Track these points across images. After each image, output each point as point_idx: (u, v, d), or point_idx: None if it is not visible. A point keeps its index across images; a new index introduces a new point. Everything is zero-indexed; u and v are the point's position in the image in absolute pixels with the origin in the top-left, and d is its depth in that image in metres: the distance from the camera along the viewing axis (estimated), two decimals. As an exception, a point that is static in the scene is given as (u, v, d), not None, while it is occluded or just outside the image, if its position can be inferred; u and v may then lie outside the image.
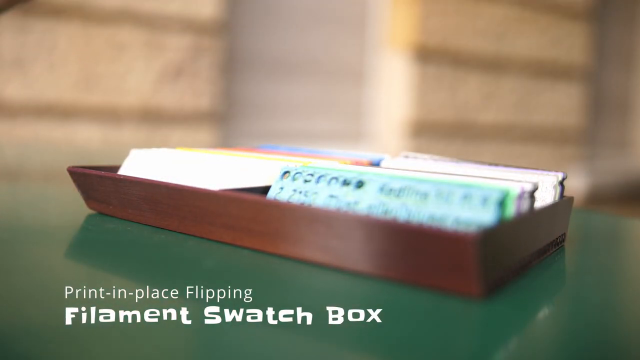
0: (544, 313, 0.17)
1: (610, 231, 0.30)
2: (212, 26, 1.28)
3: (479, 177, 0.22)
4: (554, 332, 0.16)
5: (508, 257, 0.19)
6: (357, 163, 0.27)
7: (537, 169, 0.25)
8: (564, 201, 0.24)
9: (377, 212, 0.19)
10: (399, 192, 0.19)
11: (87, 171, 0.25)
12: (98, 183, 0.25)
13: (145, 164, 0.26)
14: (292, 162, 0.25)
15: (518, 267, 0.20)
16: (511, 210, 0.18)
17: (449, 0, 1.68)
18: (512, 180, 0.22)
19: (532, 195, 0.20)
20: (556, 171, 0.25)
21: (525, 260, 0.20)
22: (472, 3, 1.73)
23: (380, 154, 0.31)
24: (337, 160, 0.28)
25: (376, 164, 0.29)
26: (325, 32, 1.60)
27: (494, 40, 1.79)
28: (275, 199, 0.20)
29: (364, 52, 1.68)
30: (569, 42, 1.97)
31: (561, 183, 0.24)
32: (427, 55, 1.65)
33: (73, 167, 0.26)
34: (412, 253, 0.18)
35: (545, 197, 0.23)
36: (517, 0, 1.82)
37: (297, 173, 0.22)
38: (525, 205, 0.20)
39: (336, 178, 0.20)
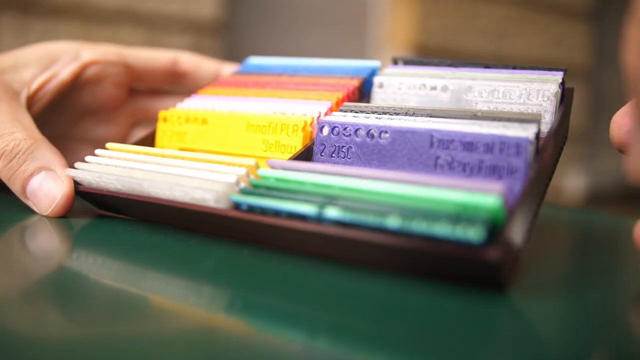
0: (543, 313, 0.17)
1: (610, 231, 0.30)
2: (212, 26, 1.27)
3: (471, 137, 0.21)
4: (553, 333, 0.16)
5: (522, 235, 0.19)
6: (347, 87, 0.28)
7: (535, 69, 0.25)
8: (565, 110, 0.24)
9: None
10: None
11: (94, 190, 0.25)
12: (107, 200, 0.25)
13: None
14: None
15: (532, 224, 0.20)
16: (502, 216, 0.17)
17: (448, 0, 1.68)
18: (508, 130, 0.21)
19: (536, 137, 0.20)
20: (556, 70, 0.25)
21: (536, 210, 0.21)
22: (472, 3, 1.73)
23: (373, 62, 0.30)
24: (323, 80, 0.28)
25: (369, 80, 0.29)
26: (325, 32, 1.60)
27: (494, 40, 1.79)
28: (290, 220, 0.20)
29: (364, 52, 1.67)
30: (569, 42, 1.97)
31: (562, 83, 0.24)
32: (427, 55, 1.65)
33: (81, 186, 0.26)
34: (428, 266, 0.18)
35: (546, 108, 0.23)
36: (517, 0, 1.82)
37: (251, 207, 0.21)
38: (530, 154, 0.20)
39: (292, 214, 0.20)
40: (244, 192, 0.21)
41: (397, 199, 0.19)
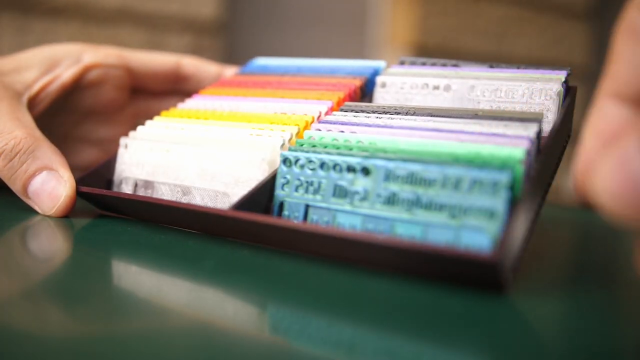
0: (543, 314, 0.17)
1: (610, 231, 0.30)
2: (212, 26, 1.27)
3: (483, 135, 0.21)
4: (553, 333, 0.16)
5: (524, 234, 0.19)
6: (349, 87, 0.28)
7: (539, 68, 0.25)
8: (568, 109, 0.24)
9: (384, 200, 0.19)
10: (405, 180, 0.19)
11: (97, 191, 0.25)
12: (108, 200, 0.25)
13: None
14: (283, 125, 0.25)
15: (533, 223, 0.21)
16: (521, 181, 0.18)
17: (448, 0, 1.68)
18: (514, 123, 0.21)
19: (538, 136, 0.21)
20: (560, 70, 0.25)
21: (537, 210, 0.21)
22: (472, 3, 1.73)
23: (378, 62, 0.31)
24: (325, 80, 0.29)
25: (372, 80, 0.29)
26: (325, 32, 1.60)
27: (494, 40, 1.79)
28: (292, 221, 0.20)
29: (364, 52, 1.67)
30: (569, 42, 1.97)
31: (565, 82, 0.24)
32: (426, 55, 1.65)
33: (84, 187, 0.26)
34: (428, 271, 0.18)
35: (549, 107, 0.23)
36: (517, 0, 1.82)
37: (297, 160, 0.21)
38: (532, 154, 0.20)
39: (339, 165, 0.21)
40: (292, 149, 0.22)
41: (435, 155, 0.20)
